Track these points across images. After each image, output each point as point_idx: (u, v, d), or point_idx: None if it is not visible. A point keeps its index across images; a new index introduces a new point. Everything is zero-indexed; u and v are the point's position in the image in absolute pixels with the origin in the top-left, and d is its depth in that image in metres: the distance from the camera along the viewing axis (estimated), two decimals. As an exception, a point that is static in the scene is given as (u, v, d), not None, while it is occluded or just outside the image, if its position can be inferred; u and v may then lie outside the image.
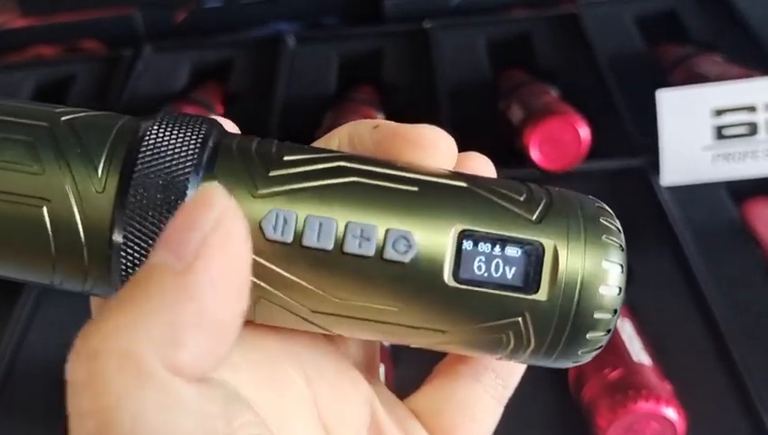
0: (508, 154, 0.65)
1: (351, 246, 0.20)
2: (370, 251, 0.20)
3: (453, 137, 0.23)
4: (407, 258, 0.20)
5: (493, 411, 0.26)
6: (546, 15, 0.83)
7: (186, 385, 0.16)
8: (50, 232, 0.20)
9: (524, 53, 0.80)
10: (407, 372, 0.48)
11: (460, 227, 0.21)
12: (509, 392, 0.26)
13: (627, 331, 0.48)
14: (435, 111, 0.72)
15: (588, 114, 0.62)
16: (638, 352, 0.47)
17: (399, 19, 0.85)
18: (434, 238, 0.20)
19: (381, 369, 0.50)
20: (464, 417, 0.25)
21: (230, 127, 0.23)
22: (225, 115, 0.23)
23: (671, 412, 0.43)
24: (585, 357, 0.22)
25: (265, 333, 0.22)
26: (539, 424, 0.50)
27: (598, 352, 0.22)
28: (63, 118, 0.21)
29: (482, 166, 0.24)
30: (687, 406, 0.45)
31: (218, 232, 0.16)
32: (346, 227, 0.20)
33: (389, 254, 0.20)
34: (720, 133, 0.61)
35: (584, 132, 0.61)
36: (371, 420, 0.25)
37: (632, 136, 0.67)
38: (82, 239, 0.20)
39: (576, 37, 0.79)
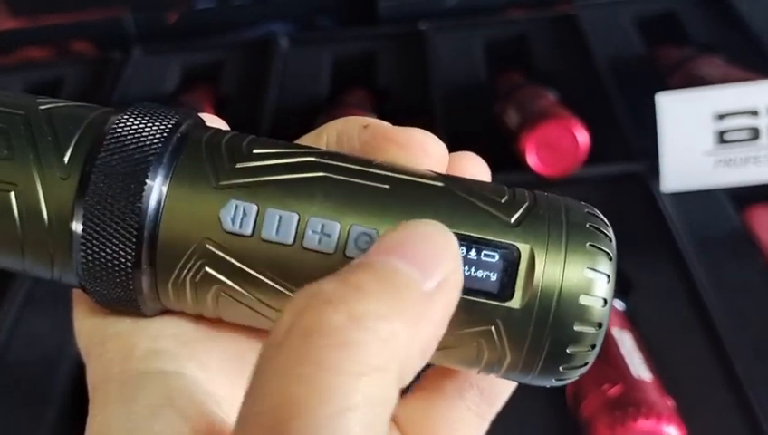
0: (504, 159, 0.64)
1: (311, 242, 0.19)
2: (330, 248, 0.19)
3: (448, 141, 0.22)
4: None
5: (475, 428, 0.25)
6: (543, 17, 0.82)
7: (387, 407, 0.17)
8: (17, 217, 0.20)
9: (521, 56, 0.79)
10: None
11: None
12: (495, 409, 0.25)
13: (626, 344, 0.47)
14: (430, 115, 0.70)
15: (586, 118, 0.61)
16: (638, 366, 0.45)
17: (394, 21, 0.84)
18: None
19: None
20: (444, 432, 0.25)
21: (217, 123, 0.23)
22: (215, 117, 0.23)
23: (672, 430, 0.42)
24: (569, 374, 0.20)
25: (234, 328, 0.22)
26: (536, 440, 0.49)
27: (583, 370, 0.20)
28: (42, 107, 0.21)
29: (474, 166, 0.23)
30: (689, 423, 0.44)
31: (457, 273, 0.18)
32: (307, 221, 0.19)
33: (351, 251, 0.19)
34: (721, 138, 0.60)
35: (582, 137, 0.60)
36: None
37: (631, 141, 0.66)
38: (47, 225, 0.20)
39: (574, 39, 0.78)
